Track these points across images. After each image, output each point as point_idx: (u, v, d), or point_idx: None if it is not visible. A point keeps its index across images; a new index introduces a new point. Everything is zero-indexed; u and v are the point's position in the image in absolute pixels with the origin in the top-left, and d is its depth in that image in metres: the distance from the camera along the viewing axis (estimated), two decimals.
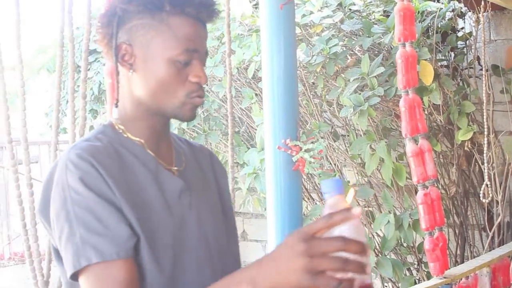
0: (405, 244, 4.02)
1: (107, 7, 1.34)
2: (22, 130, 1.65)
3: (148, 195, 1.30)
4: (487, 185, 3.52)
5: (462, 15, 4.44)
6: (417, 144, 3.02)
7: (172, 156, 1.42)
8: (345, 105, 3.54)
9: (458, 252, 4.29)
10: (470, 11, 4.33)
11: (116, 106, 1.37)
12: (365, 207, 4.26)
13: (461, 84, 4.25)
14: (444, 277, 2.95)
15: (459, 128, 3.88)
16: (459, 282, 3.09)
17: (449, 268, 3.08)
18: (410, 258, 4.13)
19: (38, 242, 1.68)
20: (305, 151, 2.41)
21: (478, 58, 4.27)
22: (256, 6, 4.06)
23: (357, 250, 1.00)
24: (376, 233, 4.02)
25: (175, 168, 1.40)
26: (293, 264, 1.01)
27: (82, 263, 1.19)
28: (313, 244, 1.00)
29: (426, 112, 3.99)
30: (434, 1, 4.15)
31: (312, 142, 2.46)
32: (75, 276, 1.21)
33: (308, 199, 4.33)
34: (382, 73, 3.57)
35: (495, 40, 4.57)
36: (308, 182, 4.39)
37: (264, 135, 2.56)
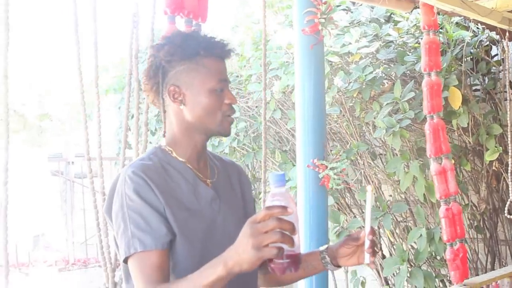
0: (438, 257, 4.29)
1: (150, 63, 1.76)
2: (98, 150, 2.06)
3: (186, 201, 1.70)
4: (511, 202, 3.79)
5: (496, 42, 4.70)
6: (440, 164, 3.34)
7: (208, 171, 1.82)
8: (379, 127, 3.87)
9: (489, 266, 4.53)
10: (502, 39, 4.60)
11: (164, 136, 1.79)
12: (403, 221, 4.56)
13: (493, 107, 4.52)
14: (464, 285, 3.23)
15: (487, 149, 4.16)
16: None
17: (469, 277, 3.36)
18: (443, 271, 4.39)
19: (109, 249, 2.08)
20: (330, 169, 2.80)
21: (511, 83, 4.53)
22: None
23: (289, 228, 1.35)
24: (411, 245, 4.31)
25: (209, 180, 1.79)
26: (244, 245, 1.38)
27: (131, 251, 1.60)
28: (256, 227, 1.37)
29: (456, 134, 4.30)
30: (470, 30, 4.44)
31: (337, 162, 2.85)
32: (125, 260, 1.63)
33: (348, 213, 4.65)
34: (414, 97, 3.89)
35: None
36: (350, 198, 4.72)
37: (296, 156, 2.96)
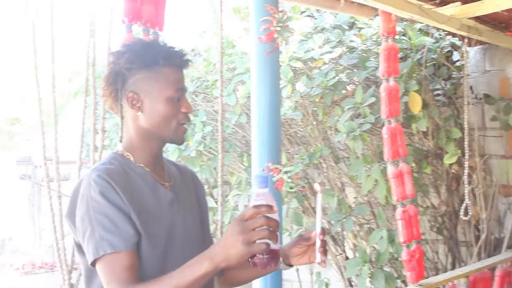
0: (399, 259, 4.38)
1: (110, 69, 1.81)
2: (55, 155, 2.11)
3: (148, 204, 1.75)
4: (467, 204, 3.89)
5: (458, 48, 4.81)
6: (398, 167, 3.42)
7: (165, 175, 1.88)
8: (340, 131, 3.96)
9: (449, 267, 4.64)
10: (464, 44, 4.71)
11: (121, 141, 1.84)
12: (367, 223, 4.65)
13: (454, 112, 4.63)
14: (420, 285, 3.32)
15: (447, 152, 4.26)
16: None
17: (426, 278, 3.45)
18: (405, 272, 4.47)
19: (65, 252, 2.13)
20: (284, 172, 2.88)
21: (471, 88, 4.65)
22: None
23: (274, 225, 1.46)
24: (373, 247, 4.40)
25: (167, 183, 1.85)
26: (233, 241, 1.46)
27: (100, 253, 1.62)
28: (245, 224, 1.46)
29: (417, 138, 4.40)
30: (431, 36, 4.53)
31: (291, 165, 2.92)
32: (93, 263, 1.65)
33: (312, 215, 4.71)
34: (375, 102, 3.98)
35: (490, 71, 4.94)
36: (314, 201, 4.79)
37: (252, 161, 3.03)
